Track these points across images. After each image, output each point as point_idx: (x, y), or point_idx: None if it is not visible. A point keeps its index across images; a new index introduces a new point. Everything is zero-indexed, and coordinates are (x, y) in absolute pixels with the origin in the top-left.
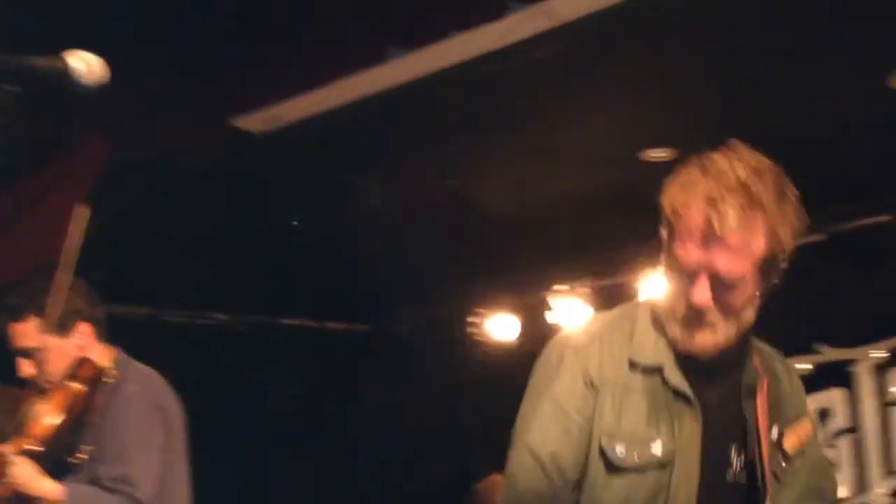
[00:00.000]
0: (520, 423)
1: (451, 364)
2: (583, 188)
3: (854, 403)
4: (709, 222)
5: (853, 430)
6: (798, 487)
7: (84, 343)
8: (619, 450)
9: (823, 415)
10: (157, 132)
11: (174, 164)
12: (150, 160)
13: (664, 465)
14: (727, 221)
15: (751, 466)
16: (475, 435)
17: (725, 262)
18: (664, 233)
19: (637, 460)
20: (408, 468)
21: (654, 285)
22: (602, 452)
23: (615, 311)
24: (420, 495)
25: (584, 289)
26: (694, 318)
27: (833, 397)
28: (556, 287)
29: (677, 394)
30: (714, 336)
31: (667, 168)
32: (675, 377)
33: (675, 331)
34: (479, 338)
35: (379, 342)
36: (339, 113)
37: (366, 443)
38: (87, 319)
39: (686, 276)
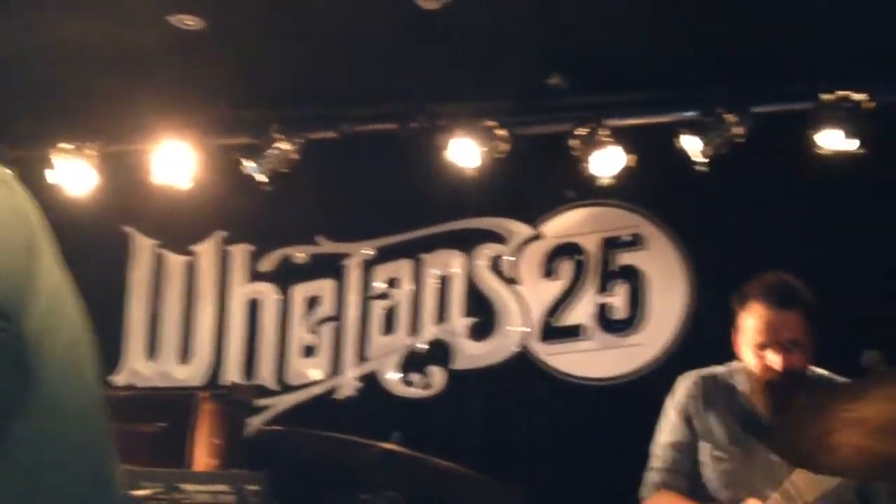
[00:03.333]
0: None
1: None
2: (103, 44)
3: (341, 294)
4: None
5: (336, 318)
6: None
7: None
8: None
9: (312, 302)
10: None
11: None
12: None
13: None
14: None
15: None
16: None
17: None
18: None
19: None
20: None
21: (167, 155)
22: None
23: None
24: None
25: (91, 151)
26: None
27: (324, 286)
28: (62, 145)
29: None
30: None
31: (195, 37)
32: None
33: None
34: None
35: None
36: None
37: None
38: None
39: None
